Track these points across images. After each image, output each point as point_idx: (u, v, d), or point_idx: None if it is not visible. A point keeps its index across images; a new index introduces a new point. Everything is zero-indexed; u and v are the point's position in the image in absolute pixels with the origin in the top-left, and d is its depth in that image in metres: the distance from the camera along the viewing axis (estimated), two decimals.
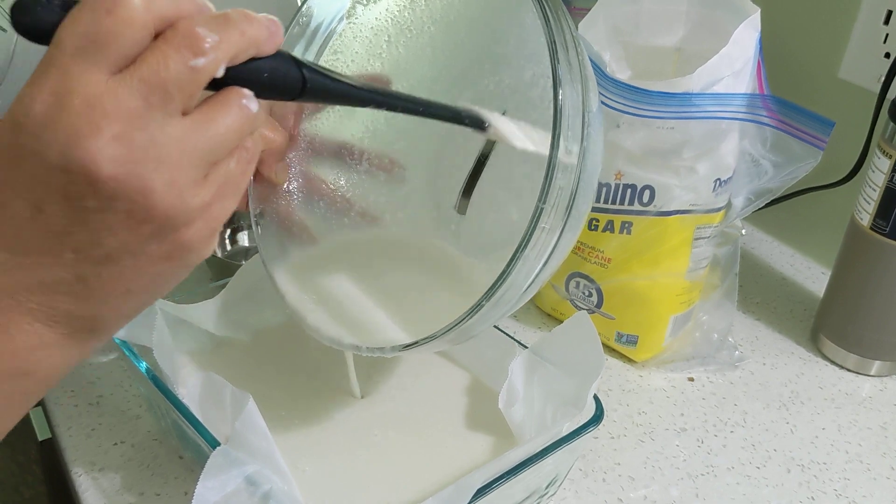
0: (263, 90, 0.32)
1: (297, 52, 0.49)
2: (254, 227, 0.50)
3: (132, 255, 0.30)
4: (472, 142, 0.45)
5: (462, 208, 0.46)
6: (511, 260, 0.37)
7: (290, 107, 0.49)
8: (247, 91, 0.31)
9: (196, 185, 0.30)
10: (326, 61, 0.49)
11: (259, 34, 0.30)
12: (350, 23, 0.48)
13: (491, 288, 0.38)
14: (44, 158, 0.28)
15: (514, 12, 0.43)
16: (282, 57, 0.32)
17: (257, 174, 0.47)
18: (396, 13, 0.47)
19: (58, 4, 0.28)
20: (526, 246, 0.37)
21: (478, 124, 0.41)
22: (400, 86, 0.48)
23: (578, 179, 0.38)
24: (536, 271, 0.40)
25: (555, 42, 0.36)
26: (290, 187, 0.49)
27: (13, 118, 0.28)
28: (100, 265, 0.30)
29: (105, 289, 0.31)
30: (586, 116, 0.38)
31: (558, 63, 0.36)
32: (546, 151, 0.37)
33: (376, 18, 0.48)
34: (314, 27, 0.49)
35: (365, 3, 0.48)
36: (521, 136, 0.42)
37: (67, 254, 0.30)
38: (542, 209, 0.37)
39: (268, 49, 0.31)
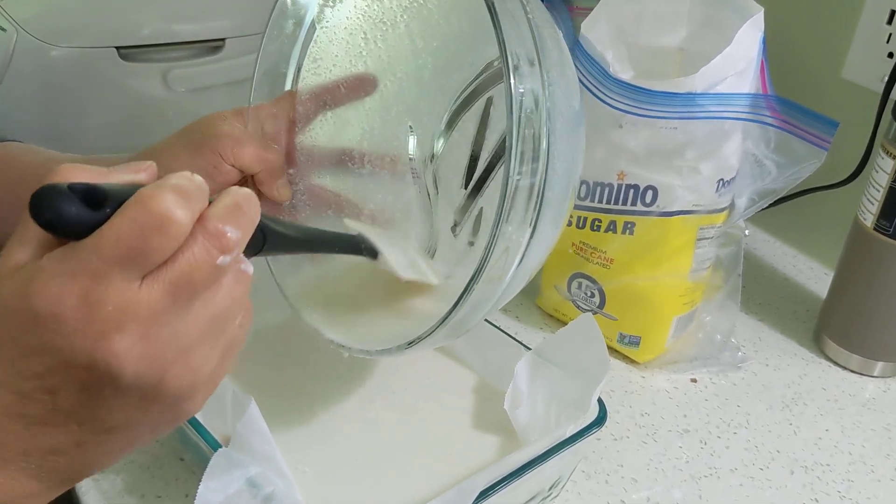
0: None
1: (279, 66, 0.49)
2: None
3: (136, 428, 0.31)
4: (465, 132, 0.45)
5: (466, 185, 0.47)
6: (481, 260, 0.37)
7: (282, 124, 0.49)
8: (242, 256, 0.32)
9: (206, 360, 0.31)
10: (308, 69, 0.49)
11: (257, 217, 0.32)
12: (322, 27, 0.48)
13: (469, 282, 0.38)
14: (66, 357, 0.28)
15: None
16: None
17: (260, 195, 0.47)
18: (365, 9, 0.47)
19: (80, 191, 0.27)
20: (495, 244, 0.37)
21: (373, 255, 0.44)
22: (388, 81, 0.47)
23: (546, 168, 0.37)
24: (514, 265, 0.39)
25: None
26: (296, 202, 0.49)
27: (32, 312, 0.27)
28: (101, 434, 0.31)
29: (100, 452, 0.31)
30: (546, 92, 0.37)
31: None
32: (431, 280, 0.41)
33: (347, 18, 0.47)
34: (290, 34, 0.48)
35: (332, 4, 0.47)
36: (405, 266, 0.44)
37: (72, 426, 0.30)
38: (503, 204, 0.36)
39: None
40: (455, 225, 0.48)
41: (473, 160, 0.48)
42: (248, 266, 0.32)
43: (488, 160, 0.48)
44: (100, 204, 0.28)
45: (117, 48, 0.73)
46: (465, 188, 0.48)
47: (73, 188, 0.27)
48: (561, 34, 0.41)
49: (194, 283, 0.29)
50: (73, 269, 0.27)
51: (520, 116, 0.36)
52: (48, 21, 0.72)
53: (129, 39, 0.74)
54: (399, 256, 0.45)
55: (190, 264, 0.28)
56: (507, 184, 0.36)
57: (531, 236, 0.39)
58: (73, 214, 0.27)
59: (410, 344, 0.41)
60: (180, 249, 0.28)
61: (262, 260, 0.57)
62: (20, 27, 0.70)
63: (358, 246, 0.43)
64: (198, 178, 0.30)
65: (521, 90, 0.36)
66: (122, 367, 0.28)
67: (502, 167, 0.36)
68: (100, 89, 0.74)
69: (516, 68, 0.35)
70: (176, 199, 0.28)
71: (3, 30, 0.70)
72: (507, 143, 0.36)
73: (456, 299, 0.38)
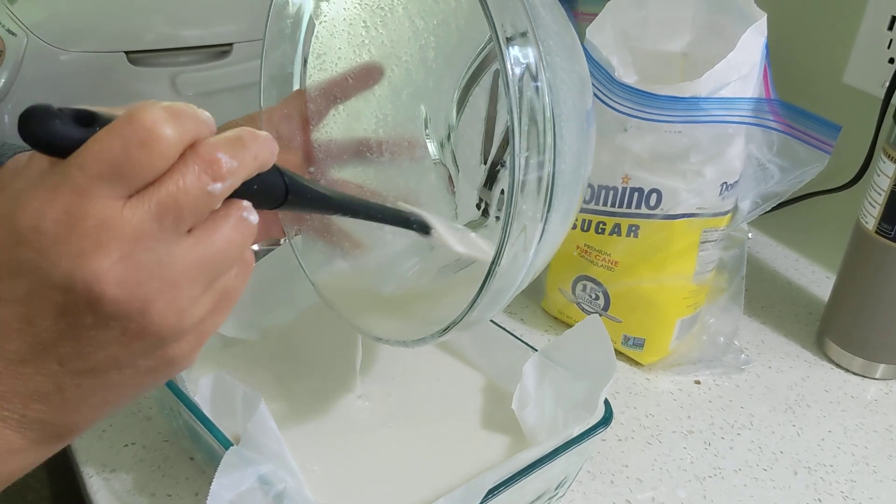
0: (251, 200, 0.31)
1: (284, 68, 0.49)
2: (291, 246, 0.50)
3: (117, 369, 0.30)
4: (477, 108, 0.46)
5: (484, 162, 0.47)
6: (496, 253, 0.38)
7: (295, 124, 0.49)
8: (246, 203, 0.30)
9: (194, 303, 0.30)
10: (313, 66, 0.49)
11: (266, 156, 0.30)
12: (321, 22, 0.48)
13: (486, 278, 0.38)
14: (45, 275, 0.27)
15: None
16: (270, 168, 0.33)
17: None
18: None
19: (69, 115, 0.27)
20: (507, 238, 0.37)
21: (424, 230, 0.43)
22: (394, 66, 0.47)
23: (554, 159, 0.37)
24: (529, 259, 0.40)
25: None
26: None
27: (14, 229, 0.27)
28: (82, 377, 0.30)
29: (83, 399, 0.30)
30: (542, 74, 0.36)
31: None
32: (482, 256, 0.39)
33: (344, 9, 0.47)
34: (289, 34, 0.48)
35: None
36: (456, 241, 0.43)
37: (51, 365, 0.29)
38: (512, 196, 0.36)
39: (268, 167, 0.31)
40: (479, 202, 0.48)
41: (489, 136, 0.47)
42: (253, 215, 0.31)
43: (503, 134, 0.47)
44: (88, 124, 0.27)
45: (126, 53, 0.73)
46: (485, 164, 0.48)
47: (61, 109, 0.27)
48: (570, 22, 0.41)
49: (181, 207, 0.28)
50: (56, 183, 0.27)
51: (518, 89, 0.35)
52: (58, 25, 0.72)
53: (138, 44, 0.74)
54: (449, 231, 0.44)
55: (178, 186, 0.27)
56: (513, 168, 0.36)
57: (543, 229, 0.39)
58: (60, 130, 0.27)
59: (444, 331, 0.41)
60: (168, 171, 0.27)
61: (278, 260, 0.57)
62: (30, 32, 0.70)
63: (407, 220, 0.42)
64: (204, 112, 0.29)
65: (518, 71, 0.35)
66: (101, 288, 0.27)
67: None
68: (109, 93, 0.74)
69: (509, 40, 0.35)
70: (165, 115, 0.27)
71: (14, 34, 0.71)
72: (509, 126, 0.35)
73: (478, 288, 0.39)
